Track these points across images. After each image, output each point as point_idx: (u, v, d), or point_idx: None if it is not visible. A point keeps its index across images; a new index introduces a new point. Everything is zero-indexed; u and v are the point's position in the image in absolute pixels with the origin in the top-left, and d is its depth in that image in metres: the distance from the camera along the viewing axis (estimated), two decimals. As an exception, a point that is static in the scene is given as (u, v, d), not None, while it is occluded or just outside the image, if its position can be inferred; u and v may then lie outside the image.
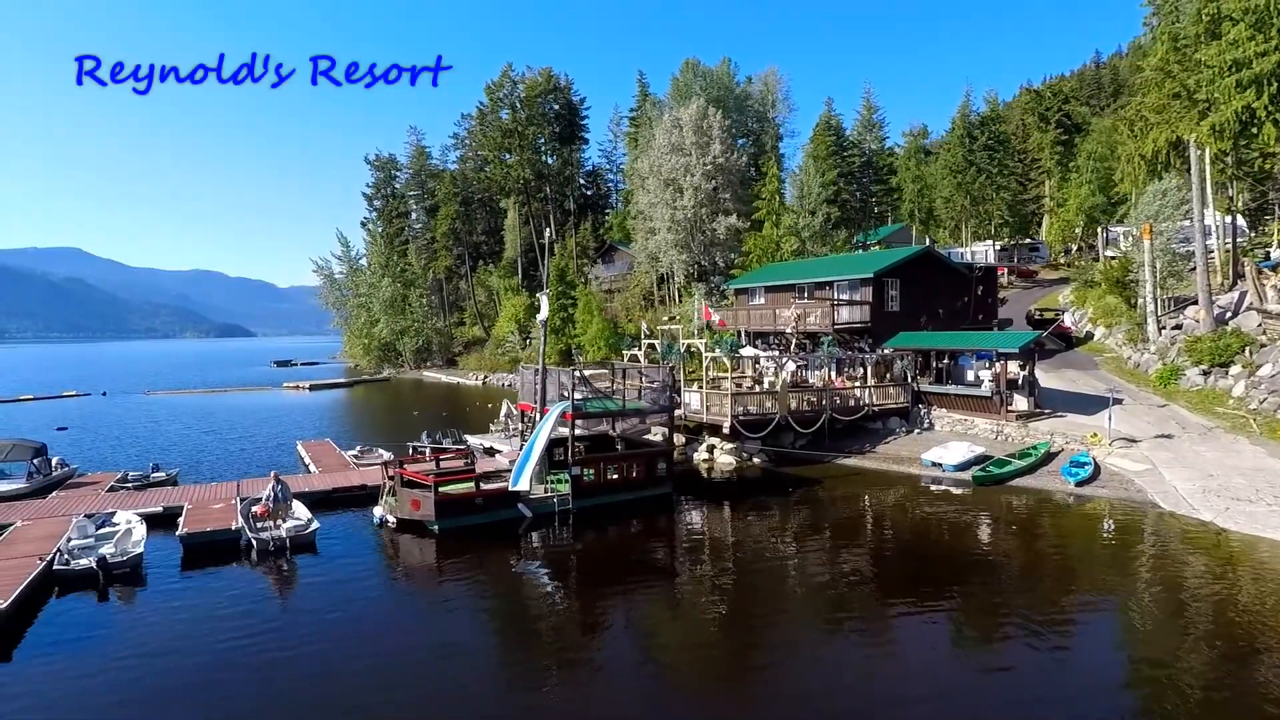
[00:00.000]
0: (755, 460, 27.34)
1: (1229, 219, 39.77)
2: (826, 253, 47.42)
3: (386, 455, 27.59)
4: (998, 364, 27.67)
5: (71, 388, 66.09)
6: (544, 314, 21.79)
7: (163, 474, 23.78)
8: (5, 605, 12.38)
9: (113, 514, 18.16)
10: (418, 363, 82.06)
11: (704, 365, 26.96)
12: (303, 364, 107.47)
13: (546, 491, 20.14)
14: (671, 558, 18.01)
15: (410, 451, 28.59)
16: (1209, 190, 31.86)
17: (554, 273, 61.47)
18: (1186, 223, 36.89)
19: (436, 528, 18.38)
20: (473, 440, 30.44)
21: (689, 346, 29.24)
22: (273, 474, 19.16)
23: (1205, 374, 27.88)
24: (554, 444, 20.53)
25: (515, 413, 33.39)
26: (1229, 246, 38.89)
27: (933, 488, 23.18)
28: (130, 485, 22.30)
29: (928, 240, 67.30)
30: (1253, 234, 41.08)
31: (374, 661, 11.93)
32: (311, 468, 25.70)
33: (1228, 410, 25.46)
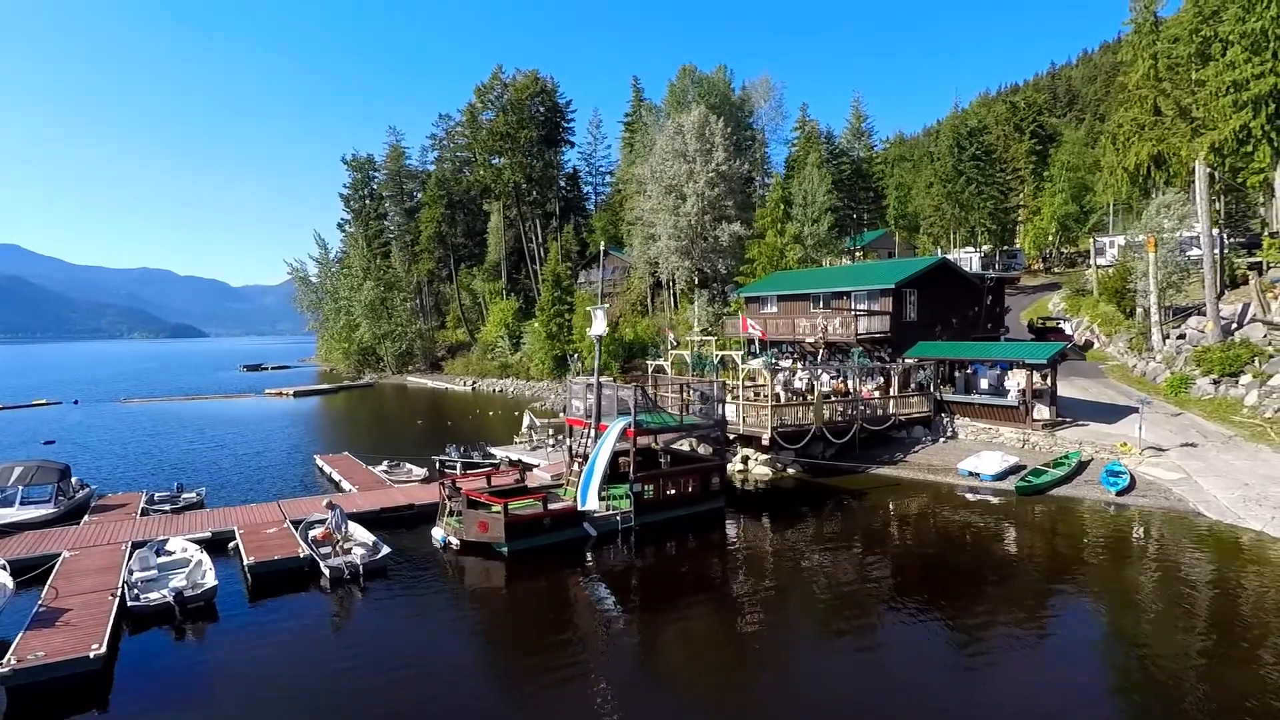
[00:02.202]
0: (790, 471, 27.51)
1: (1214, 232, 41.46)
2: (830, 261, 47.98)
3: (418, 470, 27.01)
4: (1021, 373, 28.35)
5: (36, 395, 63.01)
6: (599, 328, 21.41)
7: (193, 494, 22.80)
8: (102, 649, 11.65)
9: (166, 541, 17.31)
10: (400, 367, 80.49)
11: (741, 377, 26.95)
12: (274, 368, 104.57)
13: (608, 509, 19.90)
14: (739, 577, 17.67)
15: (439, 466, 28.05)
16: (1206, 204, 33.02)
17: (549, 277, 60.95)
18: (1179, 234, 38.24)
19: (506, 550, 17.98)
20: (498, 453, 29.90)
21: (723, 358, 29.20)
22: (327, 500, 18.61)
23: (1215, 383, 29.01)
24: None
25: (538, 424, 33.02)
26: (1215, 258, 40.58)
27: (970, 497, 23.58)
28: (167, 508, 21.30)
29: (934, 249, 68.62)
30: (1232, 244, 42.89)
31: (490, 703, 11.65)
32: (344, 485, 24.91)
33: (1243, 419, 26.54)
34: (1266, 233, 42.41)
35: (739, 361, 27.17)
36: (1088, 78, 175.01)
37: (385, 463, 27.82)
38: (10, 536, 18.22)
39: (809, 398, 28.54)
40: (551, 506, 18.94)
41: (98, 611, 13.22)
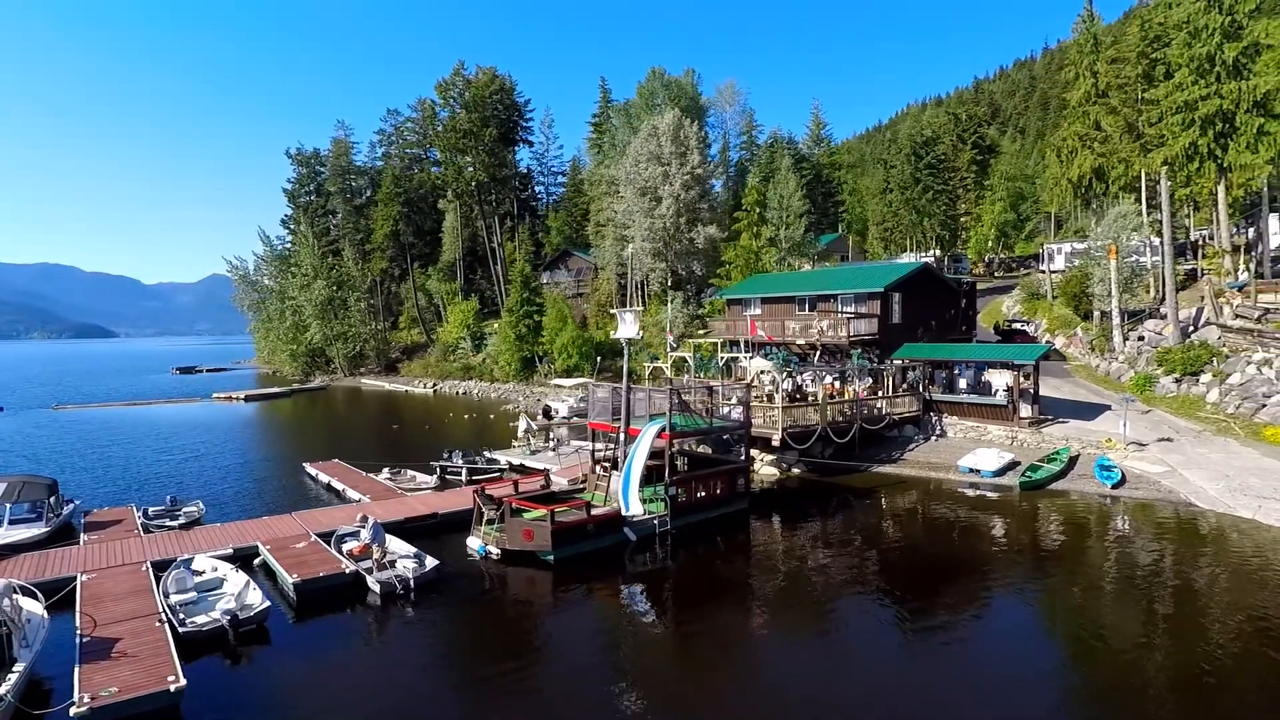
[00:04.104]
0: (795, 471, 28.04)
1: (1156, 240, 44.57)
2: (803, 264, 49.07)
3: (424, 478, 26.16)
4: (1002, 373, 29.77)
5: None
6: (629, 330, 21.20)
7: (192, 508, 21.36)
8: (180, 681, 10.79)
9: (191, 560, 16.20)
10: (352, 369, 77.71)
11: (750, 379, 27.24)
12: (209, 370, 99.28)
13: (646, 513, 19.79)
14: (783, 582, 17.46)
15: (439, 472, 27.24)
16: (1169, 217, 35.54)
17: (517, 278, 59.96)
18: (1131, 243, 40.90)
19: (552, 558, 17.64)
20: (500, 457, 29.24)
21: (728, 360, 29.45)
22: (360, 514, 17.88)
23: (1178, 381, 31.19)
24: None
25: (534, 427, 32.49)
26: (1159, 264, 43.66)
27: (976, 493, 24.52)
28: (173, 524, 19.87)
29: (884, 253, 70.94)
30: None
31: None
32: (351, 494, 23.85)
33: (1208, 415, 28.65)
34: (1201, 242, 45.89)
35: (745, 363, 27.45)
36: (1006, 92, 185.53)
37: (386, 470, 26.81)
38: (5, 559, 16.63)
39: (809, 398, 29.11)
40: (594, 512, 18.66)
41: (153, 640, 12.24)
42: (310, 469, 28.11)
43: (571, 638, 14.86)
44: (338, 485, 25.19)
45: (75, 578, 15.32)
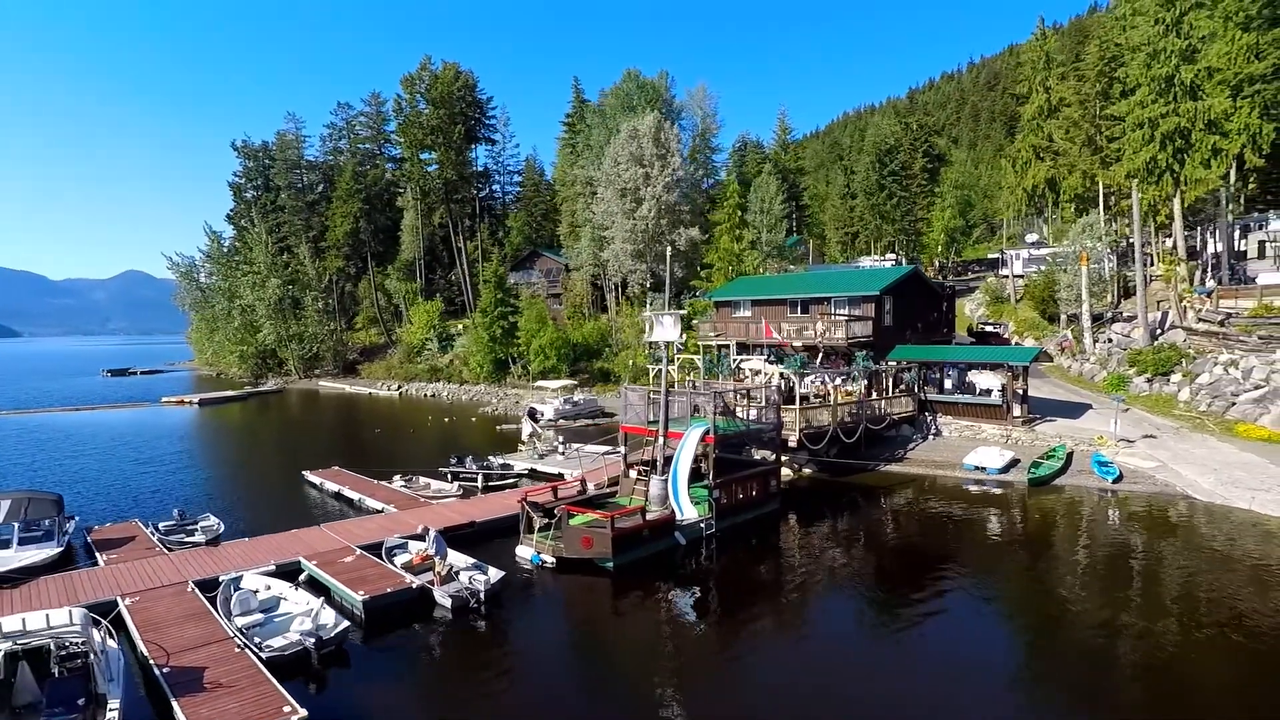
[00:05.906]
0: (806, 470, 28.52)
1: (1108, 250, 47.44)
2: (784, 266, 49.93)
3: (438, 484, 25.37)
4: (988, 373, 31.12)
5: None
6: (669, 334, 21.05)
7: (210, 522, 20.07)
8: (301, 711, 10.13)
9: (240, 578, 15.24)
10: (307, 371, 74.63)
11: (761, 379, 27.55)
12: (143, 373, 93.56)
13: (699, 515, 19.75)
14: (825, 580, 17.90)
15: (450, 478, 26.52)
16: (1139, 227, 37.87)
17: (491, 278, 58.80)
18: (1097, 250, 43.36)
19: (611, 565, 17.40)
20: (508, 462, 28.65)
21: (739, 362, 29.69)
22: (422, 526, 17.24)
23: (1150, 381, 33.25)
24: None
25: (539, 431, 31.98)
26: (1113, 270, 46.53)
27: (986, 490, 25.51)
28: (191, 539, 18.60)
29: (841, 257, 72.77)
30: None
31: None
32: (370, 503, 22.91)
33: (1182, 413, 30.64)
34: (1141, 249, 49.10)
35: (760, 366, 27.76)
36: (938, 104, 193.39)
37: (399, 478, 25.88)
38: (25, 584, 15.22)
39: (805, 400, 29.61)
40: (649, 517, 18.51)
41: (241, 667, 11.46)
42: (312, 477, 26.87)
43: (649, 647, 14.65)
44: (350, 494, 24.16)
45: (116, 602, 14.20)
